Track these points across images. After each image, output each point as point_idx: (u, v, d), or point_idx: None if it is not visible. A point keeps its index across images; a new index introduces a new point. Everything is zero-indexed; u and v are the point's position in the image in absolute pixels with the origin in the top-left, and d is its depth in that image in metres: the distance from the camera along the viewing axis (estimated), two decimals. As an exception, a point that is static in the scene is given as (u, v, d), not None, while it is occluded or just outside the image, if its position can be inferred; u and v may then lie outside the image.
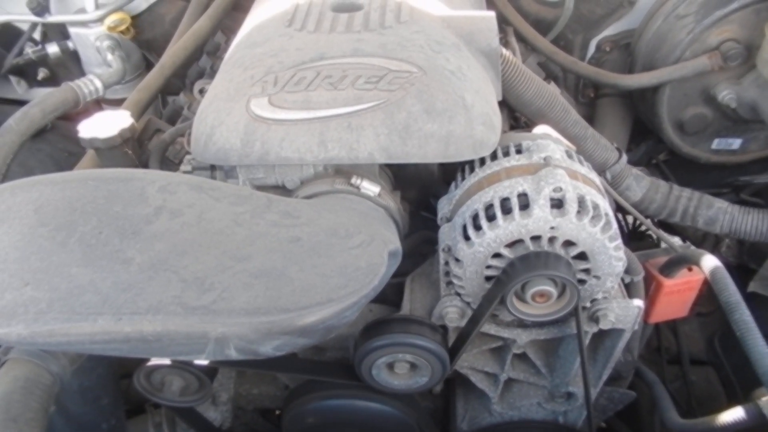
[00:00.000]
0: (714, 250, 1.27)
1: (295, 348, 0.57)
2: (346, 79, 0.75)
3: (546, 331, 0.86)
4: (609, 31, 1.40)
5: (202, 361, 0.86)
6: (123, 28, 1.32)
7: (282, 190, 0.82)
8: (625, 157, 1.04)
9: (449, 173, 0.90)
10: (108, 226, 0.61)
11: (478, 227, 0.74)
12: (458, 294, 0.83)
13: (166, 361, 0.86)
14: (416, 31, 0.84)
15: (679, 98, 1.22)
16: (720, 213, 1.05)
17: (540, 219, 0.71)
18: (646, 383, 1.07)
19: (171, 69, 1.17)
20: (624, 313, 0.81)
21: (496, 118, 0.80)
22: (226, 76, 0.82)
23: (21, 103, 1.72)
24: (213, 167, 0.85)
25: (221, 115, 0.77)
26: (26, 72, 1.59)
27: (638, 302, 0.81)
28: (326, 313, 0.55)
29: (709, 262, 0.84)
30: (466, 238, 0.75)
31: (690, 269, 0.97)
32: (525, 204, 0.72)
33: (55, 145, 1.52)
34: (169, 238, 0.60)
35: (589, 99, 1.46)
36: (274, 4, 0.99)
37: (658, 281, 0.97)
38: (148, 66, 1.54)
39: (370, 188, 0.77)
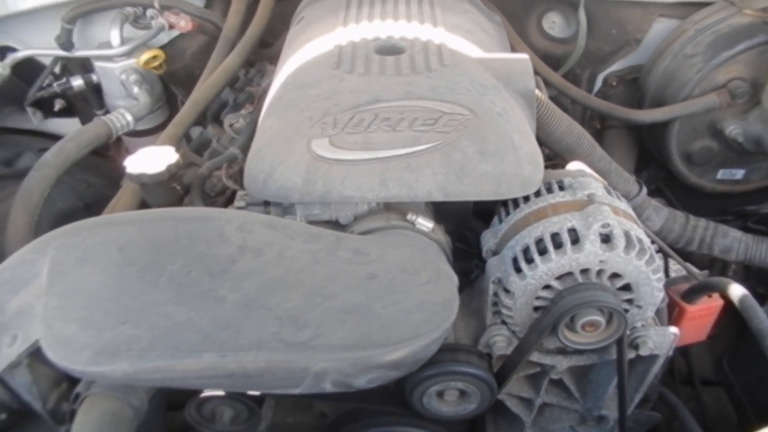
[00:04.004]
0: (722, 275, 1.33)
1: (386, 381, 0.60)
2: (404, 121, 0.79)
3: (585, 357, 0.91)
4: (615, 66, 1.48)
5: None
6: (156, 64, 1.35)
7: (335, 225, 0.85)
8: (645, 190, 1.10)
9: (478, 206, 0.95)
10: (195, 265, 0.64)
11: (530, 260, 0.78)
12: (504, 323, 0.87)
13: (219, 392, 0.87)
14: (459, 74, 0.89)
15: (687, 132, 1.29)
16: (735, 242, 1.12)
17: (591, 253, 0.76)
18: (668, 405, 1.12)
19: (203, 104, 1.20)
20: (661, 339, 0.86)
21: (539, 156, 0.85)
22: (281, 117, 0.86)
23: (35, 133, 1.74)
24: (267, 203, 0.88)
25: (281, 155, 0.80)
26: (43, 103, 1.60)
27: (674, 329, 0.86)
28: (416, 346, 0.58)
29: (737, 290, 0.90)
30: (518, 270, 0.79)
31: (709, 296, 1.03)
32: (575, 239, 0.77)
33: (74, 176, 1.53)
34: (256, 277, 0.63)
35: (595, 130, 1.53)
36: (313, 45, 1.03)
37: (681, 307, 1.03)
38: (168, 99, 1.57)
39: (425, 224, 0.81)
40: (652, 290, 0.80)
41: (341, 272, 0.65)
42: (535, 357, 0.90)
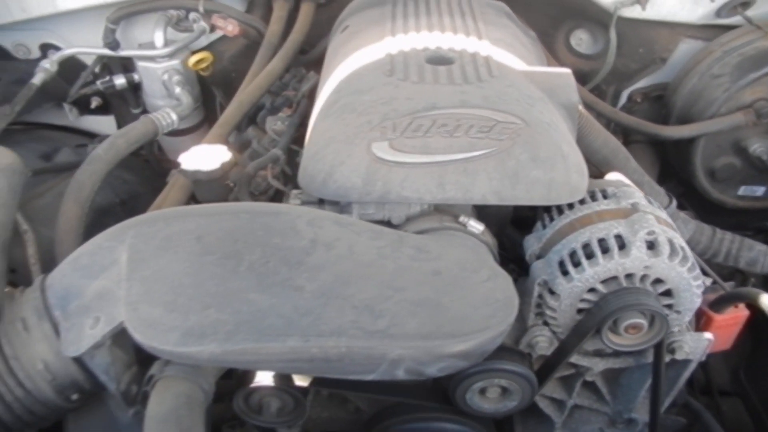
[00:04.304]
0: (742, 285, 1.37)
1: (454, 370, 0.64)
2: (460, 128, 0.83)
3: (621, 360, 0.94)
4: (641, 83, 1.53)
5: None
6: (204, 66, 1.40)
7: (387, 224, 0.89)
8: (675, 202, 1.14)
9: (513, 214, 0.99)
10: (272, 256, 0.68)
11: (576, 264, 0.82)
12: (546, 324, 0.90)
13: (267, 383, 0.91)
14: (508, 85, 0.94)
15: (712, 148, 1.34)
16: (760, 255, 1.16)
17: (636, 259, 0.80)
18: (692, 411, 1.16)
19: (248, 106, 1.25)
20: (696, 345, 0.90)
21: (584, 166, 0.89)
22: (339, 120, 0.90)
23: (70, 129, 1.77)
24: (321, 202, 0.91)
25: (341, 156, 0.84)
26: (79, 101, 1.64)
27: (708, 335, 0.90)
28: (485, 338, 0.62)
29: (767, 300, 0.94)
30: (564, 273, 0.83)
31: (736, 306, 1.07)
32: (622, 245, 0.81)
33: (111, 173, 1.57)
34: (329, 269, 0.67)
35: (619, 144, 1.58)
36: (362, 53, 1.07)
37: (708, 316, 1.06)
38: (205, 100, 1.61)
39: (476, 226, 0.85)
40: (692, 296, 0.84)
41: (407, 267, 0.69)
42: (573, 358, 0.94)
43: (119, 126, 1.72)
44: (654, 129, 1.33)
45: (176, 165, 1.03)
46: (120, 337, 0.71)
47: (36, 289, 0.76)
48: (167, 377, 0.70)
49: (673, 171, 1.50)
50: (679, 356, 0.90)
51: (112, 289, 0.70)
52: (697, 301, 0.85)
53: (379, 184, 0.82)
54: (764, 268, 1.16)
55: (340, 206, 0.88)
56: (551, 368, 0.91)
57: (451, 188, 0.81)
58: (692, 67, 1.36)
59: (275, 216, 0.73)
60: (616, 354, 0.94)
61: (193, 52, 1.51)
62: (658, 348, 0.87)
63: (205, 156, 1.03)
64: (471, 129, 0.83)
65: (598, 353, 0.94)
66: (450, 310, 0.64)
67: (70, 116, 1.68)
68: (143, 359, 0.79)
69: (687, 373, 0.95)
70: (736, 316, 1.07)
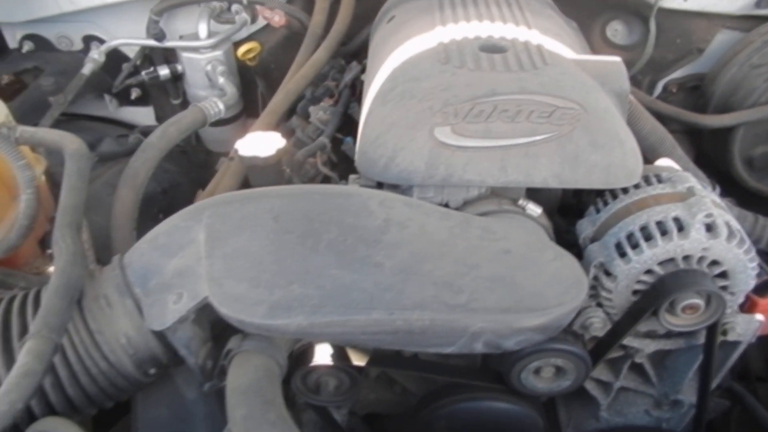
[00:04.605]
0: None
1: (530, 343, 0.66)
2: (521, 113, 0.85)
3: (672, 341, 0.96)
4: (676, 74, 1.54)
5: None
6: (252, 56, 1.42)
7: (444, 207, 0.91)
8: (718, 189, 1.15)
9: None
10: (349, 234, 0.70)
11: (635, 246, 0.84)
12: (600, 306, 0.92)
13: (326, 363, 0.93)
14: (562, 72, 0.95)
15: (750, 137, 1.35)
16: (797, 241, 1.18)
17: (695, 240, 0.82)
18: (735, 395, 1.18)
19: (295, 95, 1.27)
20: (747, 326, 0.92)
21: (639, 151, 0.91)
22: (399, 106, 0.92)
23: (109, 120, 1.80)
24: (380, 186, 0.94)
25: (404, 141, 0.87)
26: (120, 92, 1.67)
27: (760, 317, 0.92)
28: (561, 312, 0.64)
29: (817, 284, 0.95)
30: (622, 255, 0.85)
31: (779, 291, 1.08)
32: (680, 227, 0.82)
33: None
34: (406, 247, 0.69)
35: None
36: (413, 42, 1.09)
37: (752, 300, 1.08)
38: (245, 91, 1.63)
39: (534, 209, 0.88)
40: (747, 278, 0.85)
41: (478, 246, 0.71)
42: (626, 339, 0.96)
43: (158, 117, 1.75)
44: (693, 118, 1.34)
45: (218, 155, 1.06)
46: (199, 313, 0.74)
47: (115, 267, 0.79)
48: (245, 351, 0.73)
49: (708, 161, 1.51)
50: (730, 337, 0.92)
51: (192, 266, 0.73)
52: (752, 283, 0.86)
53: (441, 168, 0.84)
54: (803, 254, 1.17)
55: (401, 190, 0.90)
56: (604, 349, 0.93)
57: (513, 171, 0.83)
58: (731, 57, 1.37)
59: (347, 197, 0.75)
60: (668, 335, 0.96)
61: (235, 44, 1.54)
62: (712, 329, 0.89)
63: (261, 143, 1.06)
64: (531, 114, 0.85)
65: (650, 335, 0.96)
66: (525, 286, 0.66)
67: (110, 107, 1.72)
68: (216, 336, 0.82)
69: (736, 355, 0.97)
70: (780, 301, 1.08)
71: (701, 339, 0.94)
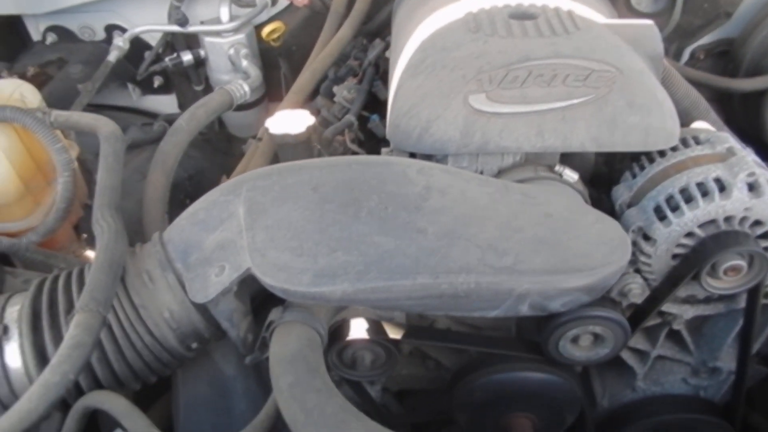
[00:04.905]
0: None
1: (577, 304, 0.65)
2: (557, 77, 0.84)
3: (711, 306, 0.95)
4: (704, 40, 1.51)
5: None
6: (276, 36, 1.42)
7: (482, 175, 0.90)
8: (752, 152, 1.13)
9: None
10: (390, 202, 0.70)
11: (674, 208, 0.83)
12: (638, 271, 0.91)
13: (360, 336, 0.93)
14: (595, 36, 0.94)
15: (784, 101, 1.33)
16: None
17: (737, 200, 0.80)
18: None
19: (321, 73, 1.27)
20: (790, 288, 0.90)
21: (676, 112, 0.89)
22: (431, 76, 0.91)
23: (132, 110, 1.82)
24: (413, 156, 0.93)
25: (438, 110, 0.86)
26: (142, 81, 1.68)
27: (803, 279, 0.90)
28: (608, 272, 0.64)
29: None
30: (662, 218, 0.84)
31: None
32: (722, 187, 0.81)
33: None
34: (448, 212, 0.69)
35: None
36: (440, 13, 1.08)
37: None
38: (266, 75, 1.63)
39: (571, 175, 0.87)
40: (790, 238, 0.84)
41: (520, 210, 0.71)
42: (665, 306, 0.95)
43: (180, 104, 1.76)
44: (725, 83, 1.32)
45: (240, 140, 1.04)
46: (240, 286, 0.74)
47: (156, 243, 0.80)
48: (287, 322, 0.73)
49: (738, 128, 1.48)
50: (774, 300, 0.90)
51: (233, 239, 0.73)
52: (795, 243, 0.85)
53: (477, 135, 0.83)
54: None
55: (435, 160, 0.90)
56: (642, 316, 0.92)
57: (550, 136, 0.82)
58: (762, 20, 1.34)
59: (386, 166, 0.75)
60: (707, 300, 0.95)
61: (257, 27, 1.54)
62: (754, 291, 0.87)
63: (290, 120, 1.06)
64: (567, 78, 0.84)
65: (689, 300, 0.95)
66: (570, 248, 0.66)
67: (133, 96, 1.73)
68: (255, 310, 0.82)
69: (776, 319, 0.95)
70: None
71: (741, 303, 0.93)
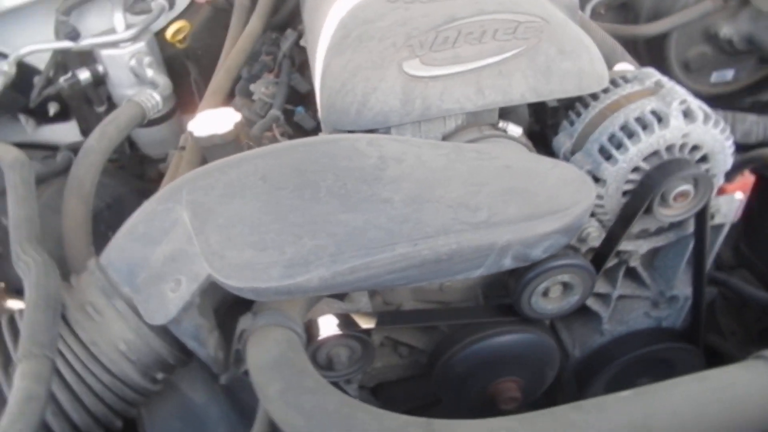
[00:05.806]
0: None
1: (558, 248, 0.64)
2: (486, 33, 0.83)
3: (663, 237, 0.98)
4: (604, -6, 1.57)
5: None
6: (181, 36, 1.33)
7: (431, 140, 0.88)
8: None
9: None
10: (347, 177, 0.66)
11: (618, 146, 0.84)
12: (592, 215, 0.92)
13: (331, 333, 0.88)
14: (513, -9, 0.94)
15: (684, 40, 1.40)
16: (753, 125, 1.23)
17: (675, 128, 0.83)
18: (719, 282, 1.22)
19: (237, 70, 1.21)
20: (729, 207, 0.95)
21: (601, 56, 0.91)
22: (359, 50, 0.88)
23: (24, 145, 1.65)
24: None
25: (373, 82, 0.83)
26: (35, 110, 1.54)
27: (739, 195, 0.95)
28: (580, 210, 0.63)
29: (782, 154, 1.00)
30: (608, 158, 0.85)
31: (742, 174, 1.12)
32: (659, 118, 0.83)
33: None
34: (409, 178, 0.66)
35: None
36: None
37: (720, 186, 1.12)
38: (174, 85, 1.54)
39: (515, 129, 0.86)
40: (726, 158, 0.88)
41: (479, 166, 0.69)
42: (621, 245, 0.97)
43: (83, 130, 1.63)
44: (630, 30, 1.38)
45: (156, 161, 0.95)
46: (202, 298, 0.68)
47: (93, 271, 0.71)
48: (261, 328, 0.68)
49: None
50: (718, 220, 0.94)
51: (182, 248, 0.67)
52: (730, 162, 0.89)
53: (418, 102, 0.81)
54: (758, 137, 1.23)
55: (381, 132, 0.87)
56: (603, 258, 0.94)
57: (489, 92, 0.81)
58: (653, -34, 1.41)
59: (333, 143, 0.71)
60: (657, 232, 0.98)
61: (158, 33, 1.44)
62: (702, 214, 0.91)
63: (215, 120, 0.99)
64: (497, 33, 0.83)
65: (641, 235, 0.98)
66: (538, 194, 0.65)
67: (27, 128, 1.57)
68: (220, 323, 0.76)
69: (721, 238, 1.00)
70: (745, 182, 1.12)
71: (689, 228, 0.96)
